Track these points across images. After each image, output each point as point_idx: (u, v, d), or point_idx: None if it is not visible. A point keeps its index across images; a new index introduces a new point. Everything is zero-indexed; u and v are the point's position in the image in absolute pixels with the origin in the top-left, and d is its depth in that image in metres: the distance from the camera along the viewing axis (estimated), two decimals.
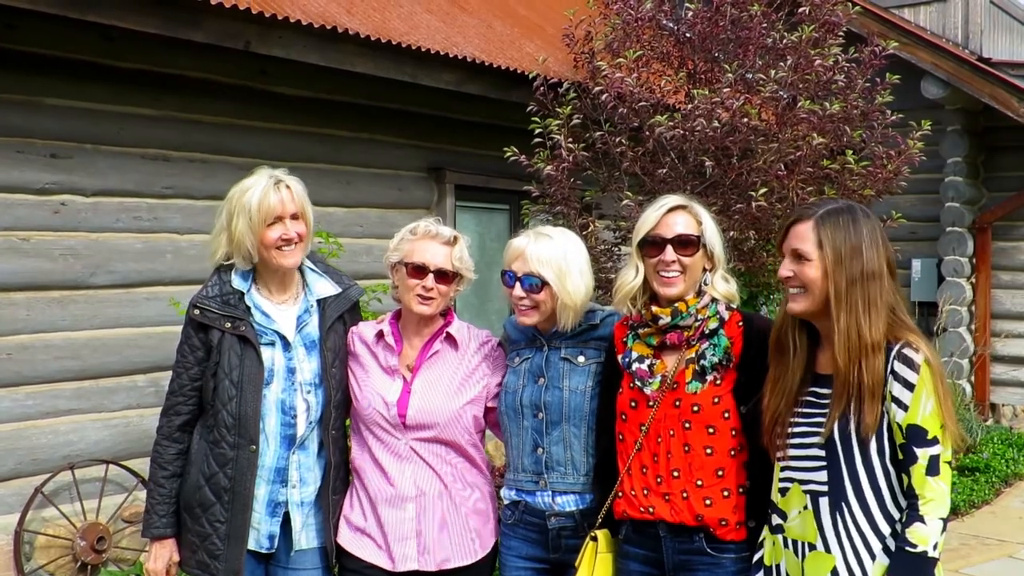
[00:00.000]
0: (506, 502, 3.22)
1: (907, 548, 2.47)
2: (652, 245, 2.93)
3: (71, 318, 5.43)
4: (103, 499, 5.45)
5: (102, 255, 5.53)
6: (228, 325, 3.08)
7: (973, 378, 10.45)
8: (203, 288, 3.17)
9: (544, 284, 3.06)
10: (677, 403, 2.87)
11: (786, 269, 2.63)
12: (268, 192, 3.09)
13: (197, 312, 3.11)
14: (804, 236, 2.61)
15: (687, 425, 2.86)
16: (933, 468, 2.48)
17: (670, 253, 2.91)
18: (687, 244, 2.92)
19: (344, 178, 6.81)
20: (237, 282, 3.15)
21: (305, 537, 3.14)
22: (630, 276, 2.99)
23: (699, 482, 2.83)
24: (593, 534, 2.97)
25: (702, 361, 2.87)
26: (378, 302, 5.36)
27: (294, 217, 3.12)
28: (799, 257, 2.62)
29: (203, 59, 5.76)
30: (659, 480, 2.88)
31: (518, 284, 3.08)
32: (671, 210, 2.96)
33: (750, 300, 6.91)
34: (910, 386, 2.50)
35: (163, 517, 3.13)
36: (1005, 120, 9.67)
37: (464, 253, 3.23)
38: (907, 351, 2.53)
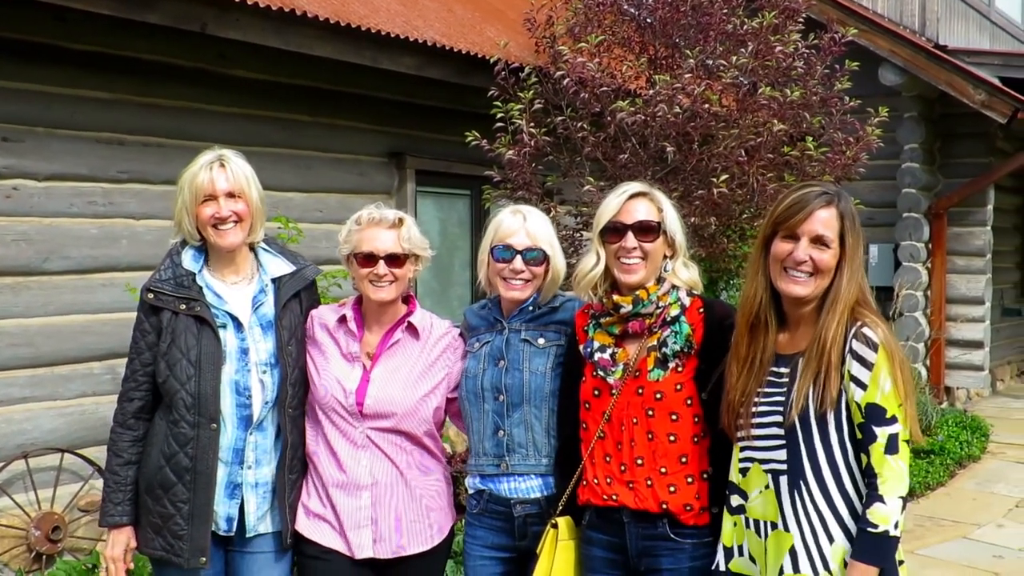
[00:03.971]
0: (470, 491, 3.20)
1: (868, 529, 2.49)
2: (613, 232, 2.94)
3: (24, 305, 5.33)
4: (58, 488, 5.36)
5: (56, 241, 5.43)
6: (183, 307, 3.05)
7: (928, 362, 10.60)
8: (156, 272, 3.13)
9: (545, 257, 3.14)
10: (640, 391, 2.87)
11: (803, 252, 2.61)
12: (203, 170, 3.09)
13: (151, 296, 3.07)
14: (829, 224, 2.63)
15: (650, 413, 2.86)
16: (892, 447, 2.51)
17: (631, 240, 2.92)
18: (648, 230, 2.93)
19: (304, 163, 6.73)
20: (188, 263, 3.13)
21: (261, 521, 3.11)
22: (590, 264, 3.00)
23: (663, 469, 2.84)
24: (554, 521, 2.97)
25: (664, 349, 2.88)
26: (338, 288, 5.32)
27: (230, 195, 3.09)
28: (821, 243, 2.62)
29: (159, 42, 5.66)
30: (623, 468, 2.88)
31: (518, 258, 3.12)
32: (632, 197, 2.97)
33: (710, 286, 6.95)
34: (868, 365, 2.53)
35: (119, 505, 3.08)
36: (961, 107, 9.79)
37: (412, 233, 3.20)
38: (866, 330, 2.56)
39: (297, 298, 3.22)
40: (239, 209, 3.10)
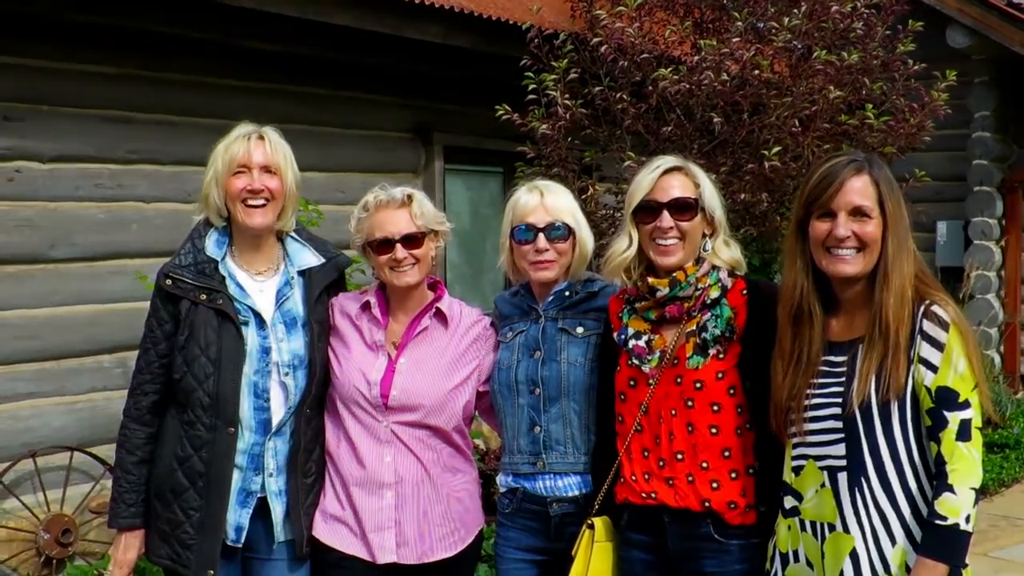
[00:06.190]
0: (503, 489, 3.19)
1: (937, 521, 2.44)
2: (647, 211, 2.91)
3: (29, 294, 5.38)
4: (68, 489, 5.42)
5: (62, 226, 5.48)
6: (204, 297, 3.03)
7: (1002, 348, 10.45)
8: (175, 256, 3.12)
9: (570, 232, 3.11)
10: (678, 380, 2.84)
11: (844, 228, 2.57)
12: (239, 140, 3.09)
13: (169, 282, 3.06)
14: (865, 192, 2.59)
15: (690, 403, 2.83)
16: (964, 433, 2.45)
17: (667, 219, 2.88)
18: (685, 208, 2.89)
19: (324, 140, 6.75)
20: (211, 249, 3.11)
21: (286, 529, 3.11)
22: (623, 246, 2.97)
23: (704, 464, 2.81)
24: (590, 522, 2.95)
25: (703, 334, 2.85)
26: (361, 273, 5.31)
27: (266, 169, 3.09)
28: (860, 214, 2.58)
29: (168, 12, 5.67)
30: (662, 463, 2.85)
31: (541, 236, 3.09)
32: (666, 172, 2.94)
33: (763, 267, 6.89)
34: (940, 346, 2.49)
35: (132, 506, 3.09)
36: None
37: (425, 208, 3.18)
38: (935, 308, 2.52)
39: (327, 292, 3.22)
40: (273, 185, 3.09)
